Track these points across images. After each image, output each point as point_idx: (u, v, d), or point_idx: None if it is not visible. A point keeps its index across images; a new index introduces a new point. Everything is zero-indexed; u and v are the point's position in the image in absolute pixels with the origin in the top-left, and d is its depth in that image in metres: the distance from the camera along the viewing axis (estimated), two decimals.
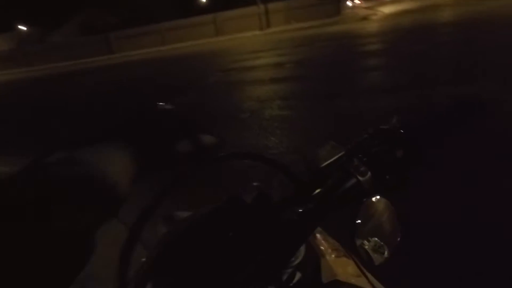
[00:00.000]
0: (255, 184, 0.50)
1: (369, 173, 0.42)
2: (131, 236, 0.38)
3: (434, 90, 3.78)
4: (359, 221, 0.42)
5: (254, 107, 4.37)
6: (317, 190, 0.42)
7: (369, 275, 0.56)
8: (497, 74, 3.88)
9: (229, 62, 9.05)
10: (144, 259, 0.41)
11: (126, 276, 0.39)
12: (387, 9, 14.49)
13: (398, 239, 0.44)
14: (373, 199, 0.42)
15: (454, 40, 6.48)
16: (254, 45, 11.94)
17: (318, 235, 0.65)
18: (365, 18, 13.89)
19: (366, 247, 0.44)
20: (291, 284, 0.48)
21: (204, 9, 21.71)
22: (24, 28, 28.95)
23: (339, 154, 0.44)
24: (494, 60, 4.50)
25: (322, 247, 0.60)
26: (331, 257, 0.58)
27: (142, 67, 12.03)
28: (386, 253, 0.44)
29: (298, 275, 0.49)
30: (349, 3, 22.15)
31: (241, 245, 0.42)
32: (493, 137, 2.51)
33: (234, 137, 3.48)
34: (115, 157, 0.37)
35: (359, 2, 27.41)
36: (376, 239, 0.45)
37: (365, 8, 16.17)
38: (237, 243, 0.42)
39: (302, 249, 0.49)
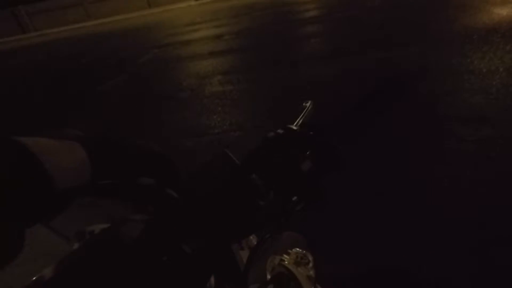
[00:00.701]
0: (137, 216, 0.39)
1: (271, 194, 0.32)
2: None
3: (368, 54, 3.92)
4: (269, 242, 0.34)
5: (194, 85, 4.16)
6: (207, 220, 0.32)
7: None
8: (426, 36, 4.14)
9: (165, 36, 8.44)
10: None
11: None
12: None
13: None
14: (279, 234, 0.35)
15: (383, 4, 6.75)
16: (190, 16, 11.25)
17: (251, 241, 0.57)
18: None
19: (286, 262, 0.37)
20: None
21: None
22: None
23: (232, 170, 0.33)
24: (421, 22, 4.79)
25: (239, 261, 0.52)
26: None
27: (66, 47, 10.70)
28: (311, 263, 0.39)
29: None
30: None
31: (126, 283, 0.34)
32: (428, 102, 2.69)
33: (174, 119, 3.29)
34: (68, 150, 0.31)
35: None
36: (297, 249, 0.39)
37: None
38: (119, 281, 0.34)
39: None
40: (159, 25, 10.94)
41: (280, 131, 0.33)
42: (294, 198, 0.33)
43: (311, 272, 0.37)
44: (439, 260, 1.33)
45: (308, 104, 0.40)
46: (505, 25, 3.90)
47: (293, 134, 0.33)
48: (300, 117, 0.38)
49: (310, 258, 0.38)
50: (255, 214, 0.31)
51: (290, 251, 0.38)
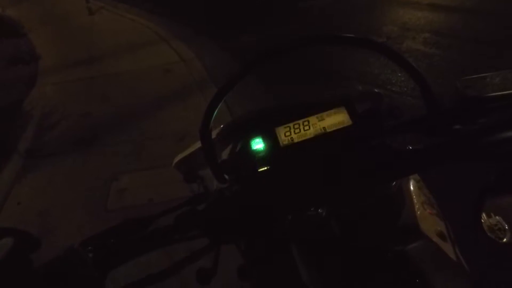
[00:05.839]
0: (376, 91, 0.45)
1: None
2: (216, 97, 0.39)
3: None
4: (491, 188, 0.34)
5: (394, 34, 3.73)
6: (456, 125, 0.34)
7: (456, 247, 0.49)
8: None
9: None
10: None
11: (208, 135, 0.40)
12: None
13: None
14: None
15: None
16: None
17: (412, 182, 0.55)
18: None
19: (482, 221, 0.38)
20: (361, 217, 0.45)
21: None
22: None
23: None
24: None
25: (413, 195, 0.51)
26: (418, 208, 0.48)
27: None
28: (506, 239, 0.37)
29: (373, 211, 0.45)
30: None
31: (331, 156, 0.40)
32: None
33: (354, 60, 3.12)
34: None
35: None
36: (500, 218, 0.37)
37: None
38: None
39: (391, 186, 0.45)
40: None
41: None
42: None
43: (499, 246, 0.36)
44: None
45: None
46: None
47: None
48: None
49: (507, 236, 0.35)
50: None
51: (493, 215, 0.36)
